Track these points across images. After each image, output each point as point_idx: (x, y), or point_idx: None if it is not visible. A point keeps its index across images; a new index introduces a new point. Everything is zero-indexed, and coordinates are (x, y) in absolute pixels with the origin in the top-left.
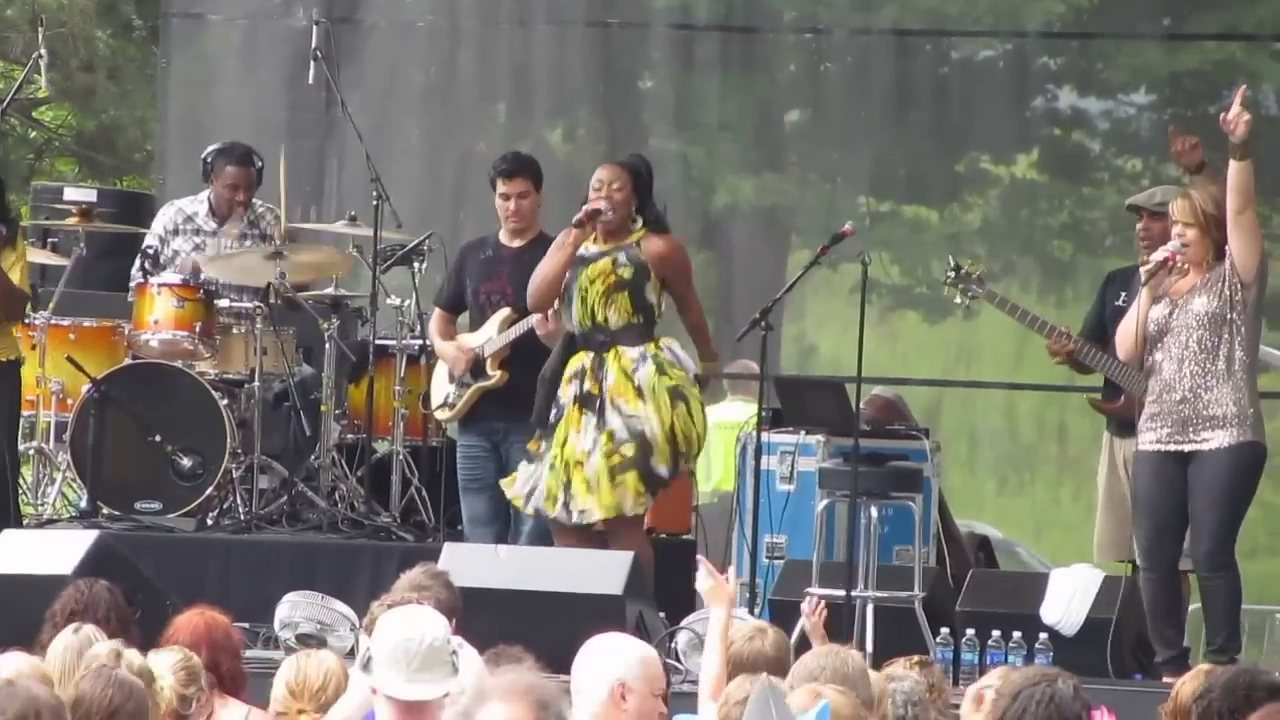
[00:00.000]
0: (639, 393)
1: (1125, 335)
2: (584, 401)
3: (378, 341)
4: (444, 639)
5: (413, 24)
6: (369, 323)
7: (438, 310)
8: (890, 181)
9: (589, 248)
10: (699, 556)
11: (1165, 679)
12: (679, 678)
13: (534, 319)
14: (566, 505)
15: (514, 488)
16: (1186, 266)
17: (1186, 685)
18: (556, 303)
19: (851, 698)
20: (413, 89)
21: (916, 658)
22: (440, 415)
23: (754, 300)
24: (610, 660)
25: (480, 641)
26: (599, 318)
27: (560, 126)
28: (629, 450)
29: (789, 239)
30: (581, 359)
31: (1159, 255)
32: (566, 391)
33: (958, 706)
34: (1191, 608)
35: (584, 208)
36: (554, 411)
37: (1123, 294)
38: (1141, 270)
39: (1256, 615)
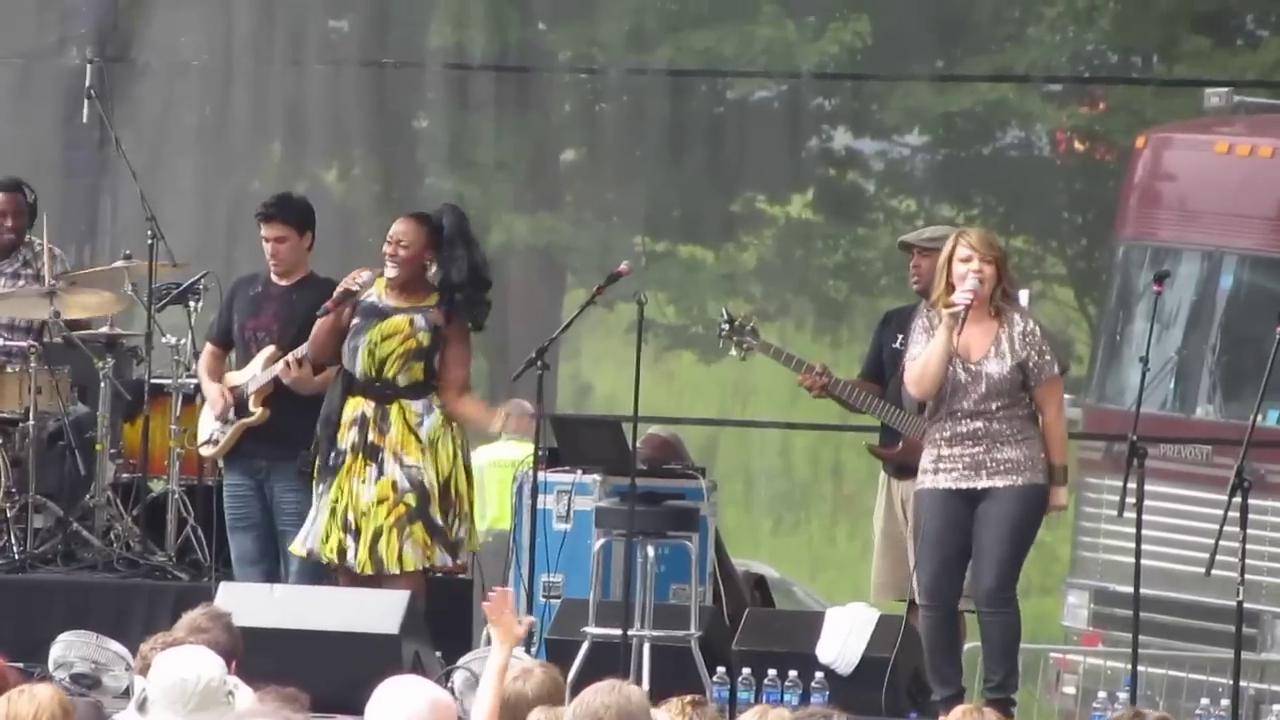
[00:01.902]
0: (421, 445)
1: (925, 376)
2: (367, 452)
3: (153, 380)
4: (220, 679)
5: (187, 63)
6: (144, 361)
7: (209, 345)
8: (666, 221)
9: (383, 298)
10: (497, 587)
11: (942, 717)
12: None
13: (278, 367)
14: (353, 553)
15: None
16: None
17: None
18: (306, 348)
19: None
20: (187, 128)
21: (690, 697)
22: (205, 452)
23: (530, 339)
24: (403, 707)
25: (257, 682)
26: (388, 374)
27: (335, 165)
28: (411, 500)
29: (564, 278)
30: (361, 405)
31: (962, 298)
32: (346, 437)
33: None
34: (967, 646)
35: (339, 288)
36: (333, 455)
37: (899, 335)
38: (946, 313)
39: (1031, 654)
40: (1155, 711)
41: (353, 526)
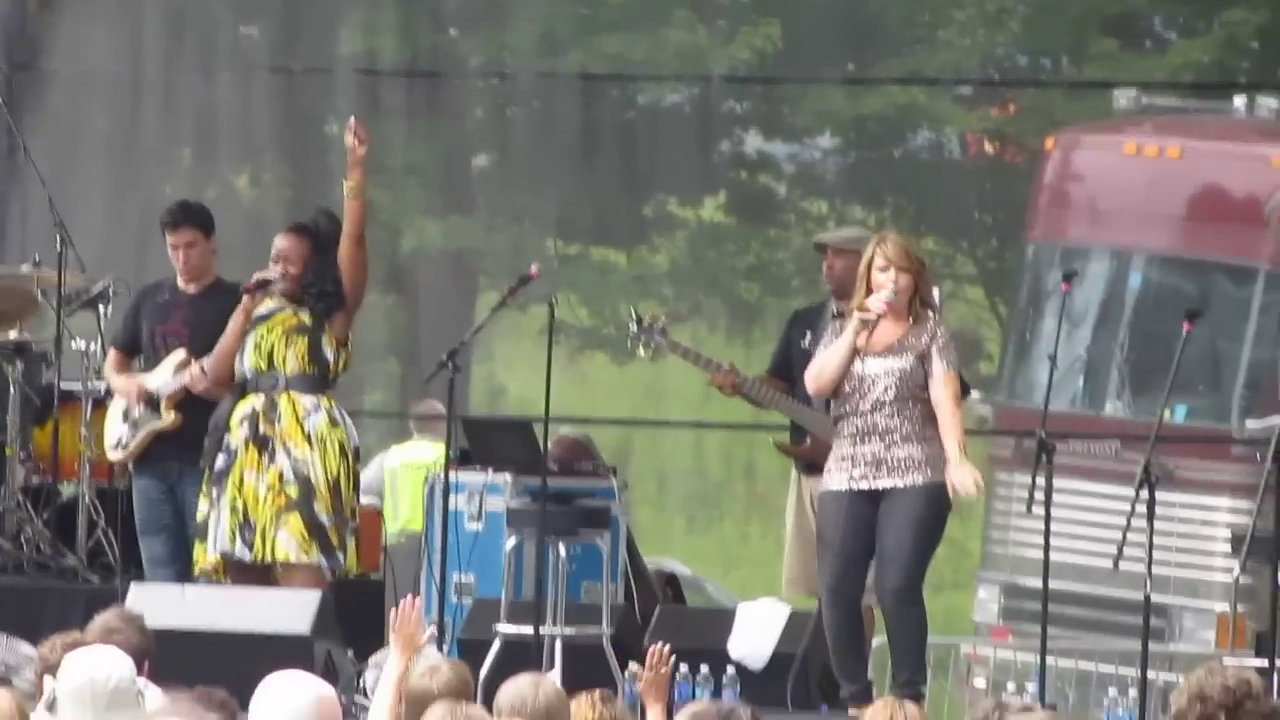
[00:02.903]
0: (308, 438)
1: (821, 374)
2: (259, 443)
3: (63, 385)
4: (130, 678)
5: (95, 70)
6: (54, 366)
7: (113, 350)
8: (577, 224)
9: (268, 305)
10: (409, 596)
11: (851, 711)
12: (367, 715)
13: (186, 375)
14: (247, 542)
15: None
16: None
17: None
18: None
19: None
20: (96, 135)
21: (599, 692)
22: (113, 456)
23: (442, 342)
24: (290, 704)
25: (170, 683)
26: (276, 359)
27: (246, 171)
28: (293, 491)
29: (477, 281)
30: (251, 401)
31: (877, 305)
32: (236, 435)
33: None
34: (876, 641)
35: (255, 276)
36: (223, 458)
37: (808, 333)
38: (858, 316)
39: (942, 648)
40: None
41: (248, 518)
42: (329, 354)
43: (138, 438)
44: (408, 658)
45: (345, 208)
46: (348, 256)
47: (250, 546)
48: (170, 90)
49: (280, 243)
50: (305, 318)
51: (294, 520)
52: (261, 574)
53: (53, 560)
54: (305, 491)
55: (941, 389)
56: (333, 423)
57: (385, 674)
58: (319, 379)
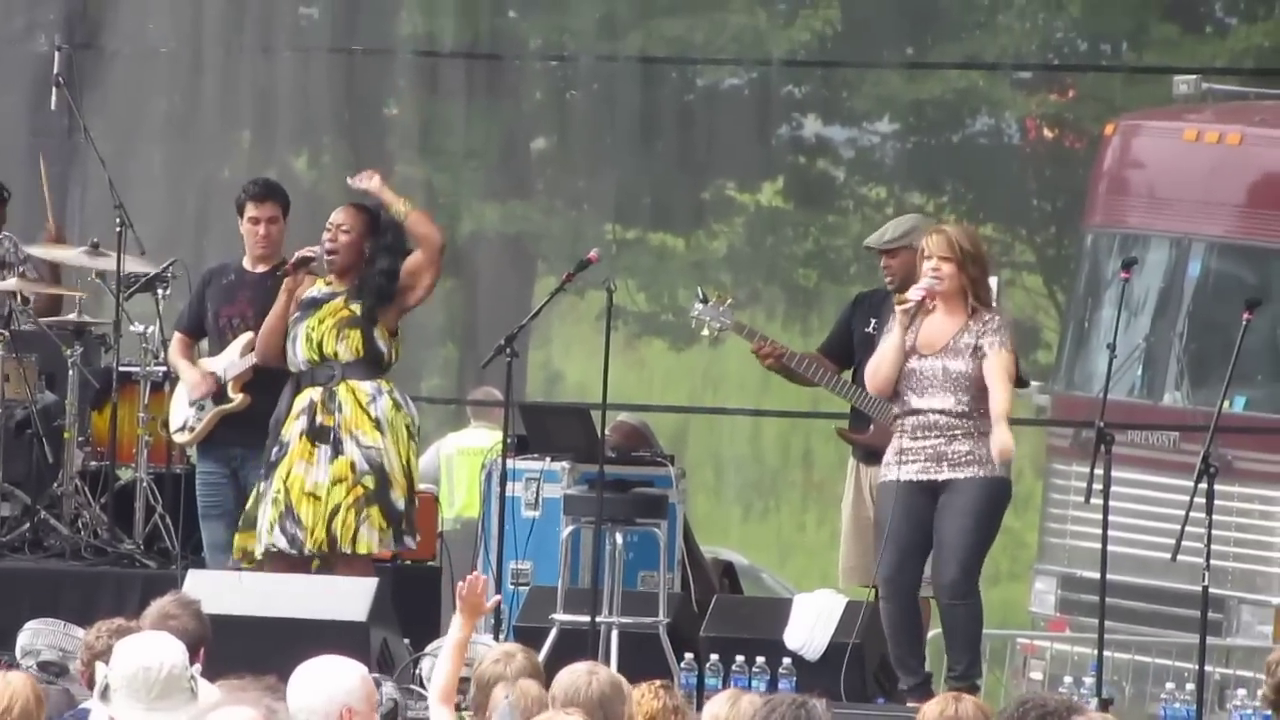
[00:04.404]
0: (377, 424)
1: (877, 372)
2: (316, 435)
3: (121, 368)
4: (182, 665)
5: (155, 50)
6: (112, 349)
7: (178, 334)
8: (636, 209)
9: (321, 289)
10: (477, 574)
11: (910, 704)
12: (423, 704)
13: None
14: (292, 536)
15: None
16: (935, 304)
17: (931, 710)
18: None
19: None
20: (156, 115)
21: (659, 682)
22: (179, 439)
23: (499, 327)
24: (335, 685)
25: (226, 669)
26: (327, 350)
27: (305, 153)
28: (370, 482)
29: (534, 265)
30: (308, 394)
31: (915, 294)
32: (291, 428)
33: None
34: (932, 633)
35: (296, 254)
36: (277, 450)
37: (873, 320)
38: (898, 309)
39: (998, 640)
40: (1057, 695)
41: (294, 512)
42: (382, 346)
43: (204, 420)
44: (470, 624)
45: (410, 225)
46: (428, 260)
47: (291, 539)
48: (230, 71)
49: (336, 215)
50: (355, 308)
51: (375, 514)
52: (299, 564)
53: (110, 545)
54: (381, 481)
55: (989, 364)
56: (396, 406)
57: (448, 639)
58: (375, 364)
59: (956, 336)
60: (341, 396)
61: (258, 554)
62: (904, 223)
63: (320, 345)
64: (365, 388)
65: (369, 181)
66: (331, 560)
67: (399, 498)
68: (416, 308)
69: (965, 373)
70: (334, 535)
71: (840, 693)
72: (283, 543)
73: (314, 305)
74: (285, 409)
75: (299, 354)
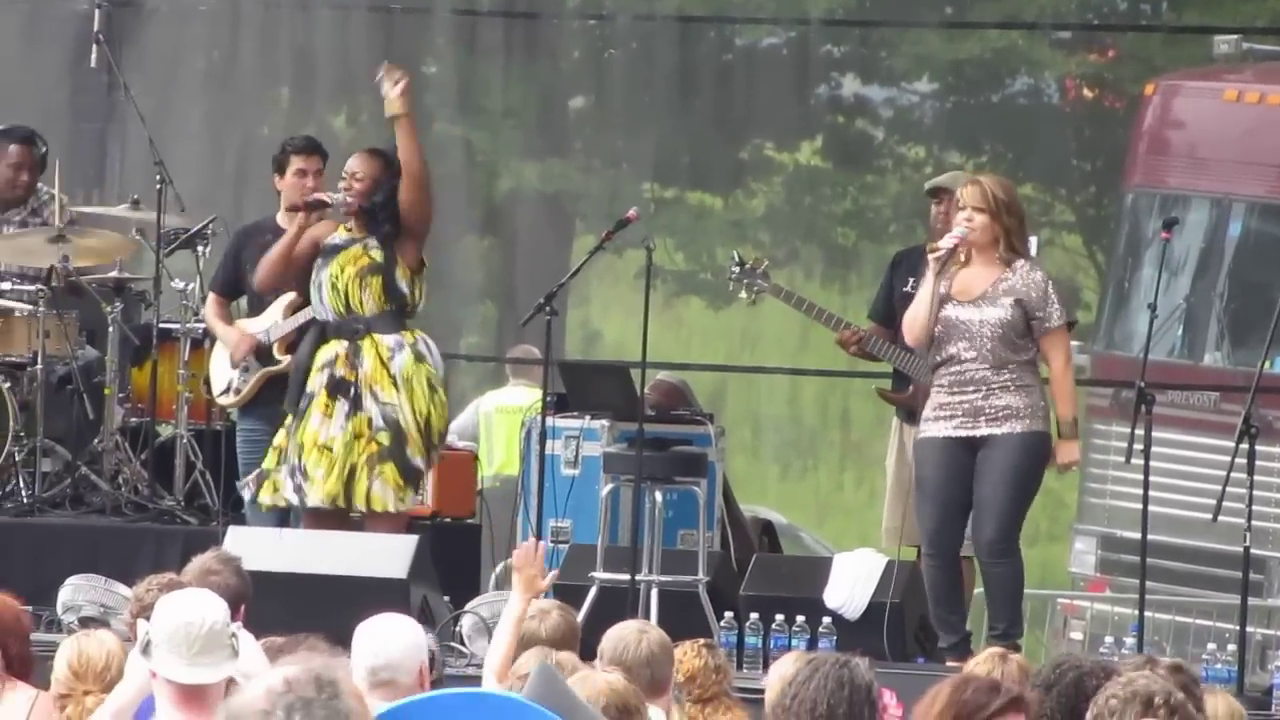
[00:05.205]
0: (394, 381)
1: (914, 323)
2: (337, 388)
3: (161, 325)
4: (224, 622)
5: (194, 8)
6: (152, 306)
7: (213, 295)
8: (674, 168)
9: (341, 235)
10: (532, 539)
11: (950, 663)
12: (464, 661)
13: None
14: (298, 486)
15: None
16: (968, 253)
17: (978, 668)
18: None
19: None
20: (195, 72)
21: (703, 641)
22: (223, 401)
23: (538, 286)
24: (413, 639)
25: (266, 626)
26: (353, 303)
27: (343, 110)
28: (385, 439)
29: (573, 224)
30: (334, 346)
31: (947, 242)
32: (315, 380)
33: (743, 690)
34: (974, 592)
35: (313, 195)
36: (302, 401)
37: (910, 279)
38: (930, 257)
39: (1038, 600)
40: (1167, 658)
41: (303, 463)
42: (404, 287)
43: (250, 382)
44: (528, 599)
45: (397, 130)
46: (409, 179)
47: (299, 490)
48: (268, 27)
49: (352, 163)
50: (375, 254)
51: (389, 470)
52: (338, 521)
53: (150, 501)
54: (397, 437)
55: (1052, 349)
56: (418, 358)
57: (505, 613)
58: (398, 314)
59: (995, 284)
60: (365, 350)
61: (263, 506)
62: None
63: (346, 295)
64: (388, 341)
65: (393, 87)
66: (347, 518)
67: (415, 454)
68: (427, 234)
69: (1004, 319)
70: (350, 493)
71: (881, 652)
72: (289, 493)
73: (335, 251)
74: (308, 354)
75: (325, 303)
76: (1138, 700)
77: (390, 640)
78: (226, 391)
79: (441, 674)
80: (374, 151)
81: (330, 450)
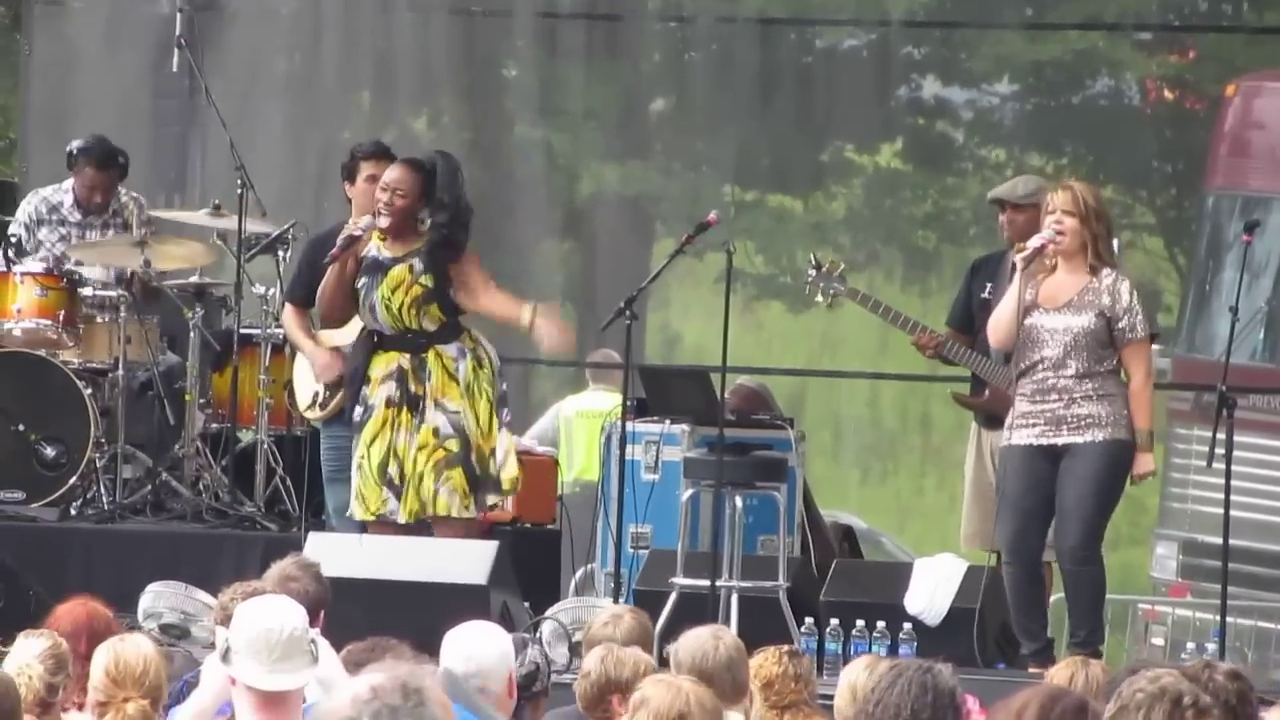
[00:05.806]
0: (460, 390)
1: (999, 324)
2: (407, 403)
3: (242, 330)
4: (303, 628)
5: (275, 11)
6: (233, 311)
7: (291, 307)
8: (755, 170)
9: (383, 252)
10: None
11: (1032, 669)
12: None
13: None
14: (394, 505)
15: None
16: (1055, 259)
17: (1059, 675)
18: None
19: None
20: (276, 76)
21: (786, 647)
22: (311, 415)
23: (618, 289)
24: (504, 648)
25: (344, 632)
26: (410, 324)
27: (425, 114)
28: (453, 445)
29: (653, 227)
30: (396, 359)
31: (1035, 242)
32: (378, 392)
33: (824, 697)
34: (1054, 597)
35: (343, 234)
36: (360, 411)
37: (989, 284)
38: (1017, 258)
39: (1119, 605)
40: (1226, 664)
41: (394, 480)
42: (455, 297)
43: (338, 396)
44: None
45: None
46: (478, 308)
47: (402, 507)
48: (349, 31)
49: (391, 174)
50: (425, 281)
51: (456, 476)
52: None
53: (231, 507)
54: (465, 444)
55: (1133, 360)
56: (478, 364)
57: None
58: (456, 324)
59: (1081, 293)
60: (431, 364)
61: (358, 516)
62: (1032, 181)
63: (402, 318)
64: (450, 351)
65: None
66: (423, 528)
67: (478, 461)
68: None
69: (1088, 329)
70: (423, 502)
71: (966, 657)
72: (386, 513)
73: (379, 268)
74: (362, 363)
75: (380, 320)
76: (1166, 698)
77: (481, 648)
78: (313, 405)
79: (547, 685)
80: (413, 164)
81: (412, 463)
